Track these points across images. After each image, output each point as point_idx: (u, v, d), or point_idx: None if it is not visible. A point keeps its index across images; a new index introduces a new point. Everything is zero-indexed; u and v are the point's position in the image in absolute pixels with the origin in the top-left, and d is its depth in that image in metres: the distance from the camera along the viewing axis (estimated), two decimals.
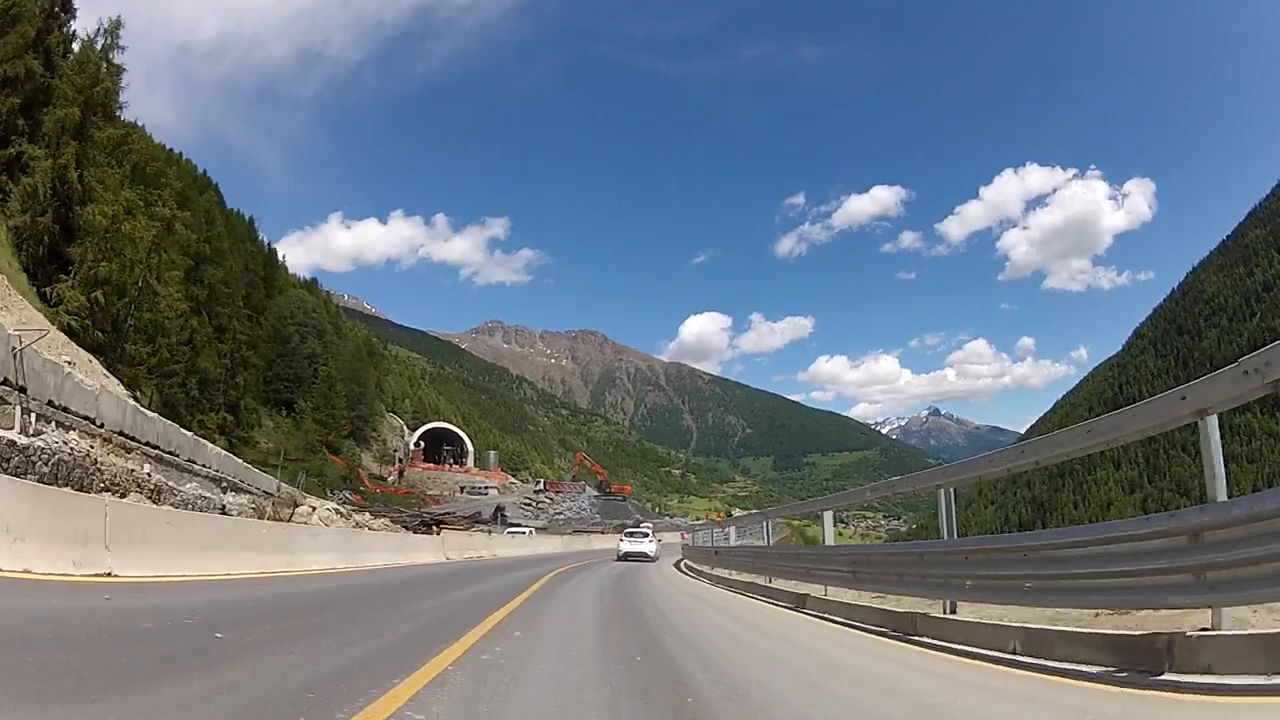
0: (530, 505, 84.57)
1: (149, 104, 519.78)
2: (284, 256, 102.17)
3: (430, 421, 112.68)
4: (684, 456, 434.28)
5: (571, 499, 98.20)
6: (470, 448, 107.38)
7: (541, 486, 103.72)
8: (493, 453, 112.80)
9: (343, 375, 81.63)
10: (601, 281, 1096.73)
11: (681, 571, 22.84)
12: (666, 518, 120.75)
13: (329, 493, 60.47)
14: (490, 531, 32.07)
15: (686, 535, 47.09)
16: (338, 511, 24.84)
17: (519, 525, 49.30)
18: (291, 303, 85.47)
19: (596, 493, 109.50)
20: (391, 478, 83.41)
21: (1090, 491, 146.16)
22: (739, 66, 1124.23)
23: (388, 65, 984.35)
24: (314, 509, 24.66)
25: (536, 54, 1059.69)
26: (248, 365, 65.42)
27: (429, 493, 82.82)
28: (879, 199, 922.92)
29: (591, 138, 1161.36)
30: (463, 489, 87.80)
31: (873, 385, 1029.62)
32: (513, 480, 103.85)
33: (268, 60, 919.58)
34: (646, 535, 36.92)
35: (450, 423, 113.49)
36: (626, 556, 32.01)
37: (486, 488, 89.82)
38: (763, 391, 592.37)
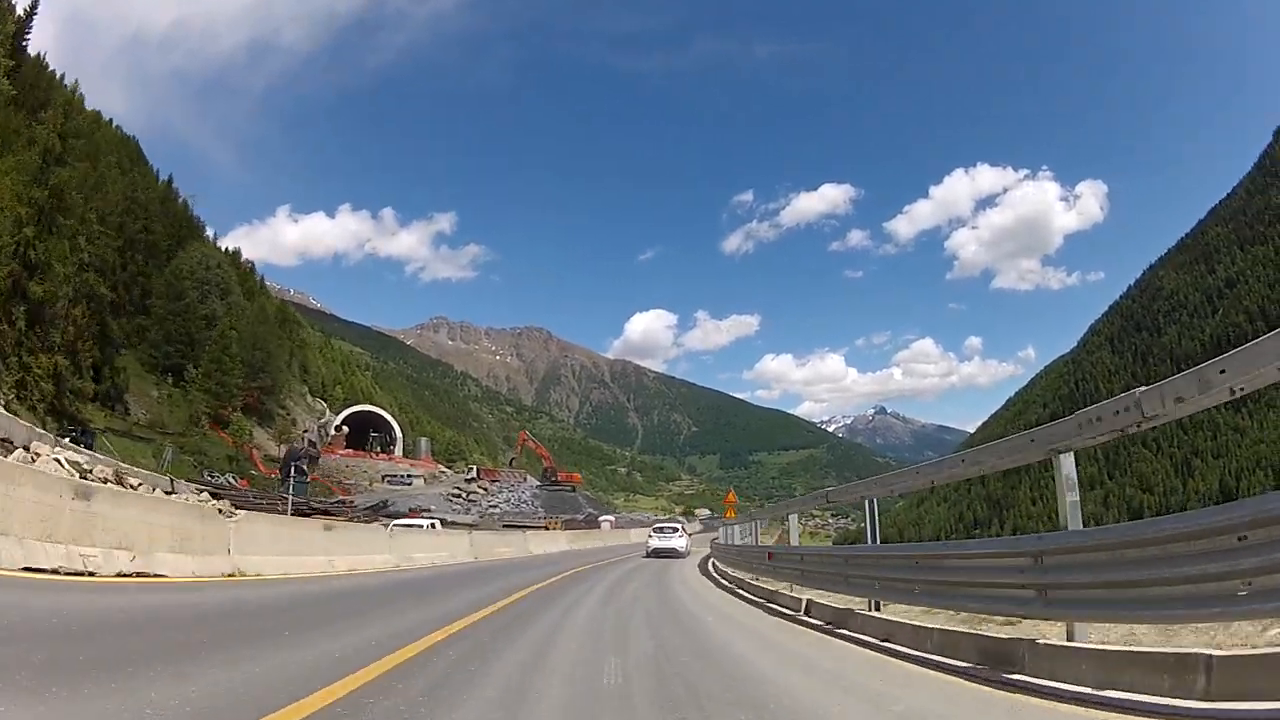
0: (459, 497, 71.75)
1: (104, 94, 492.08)
2: (214, 234, 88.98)
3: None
4: (630, 454, 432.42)
5: (510, 489, 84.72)
6: (399, 434, 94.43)
7: (474, 475, 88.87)
8: (424, 440, 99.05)
9: (243, 339, 69.07)
10: (548, 278, 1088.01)
11: (744, 598, 13.02)
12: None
13: (207, 475, 48.82)
14: (225, 514, 13.84)
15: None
16: (79, 468, 13.80)
17: (434, 517, 36.53)
18: (193, 258, 72.94)
19: (540, 482, 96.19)
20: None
21: (1048, 488, 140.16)
22: (695, 62, 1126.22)
23: (339, 57, 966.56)
24: (36, 456, 13.77)
25: (489, 48, 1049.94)
26: (111, 309, 52.71)
27: (346, 482, 71.28)
28: (828, 197, 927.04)
29: (541, 133, 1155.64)
30: (384, 478, 75.79)
31: (819, 384, 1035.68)
32: (444, 469, 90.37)
33: (219, 51, 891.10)
34: (676, 530, 36.64)
35: (382, 409, 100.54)
36: (656, 553, 31.72)
37: (410, 477, 77.23)
38: (708, 390, 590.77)
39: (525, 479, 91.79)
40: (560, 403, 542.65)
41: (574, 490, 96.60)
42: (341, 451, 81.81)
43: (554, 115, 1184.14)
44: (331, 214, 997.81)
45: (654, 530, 37.76)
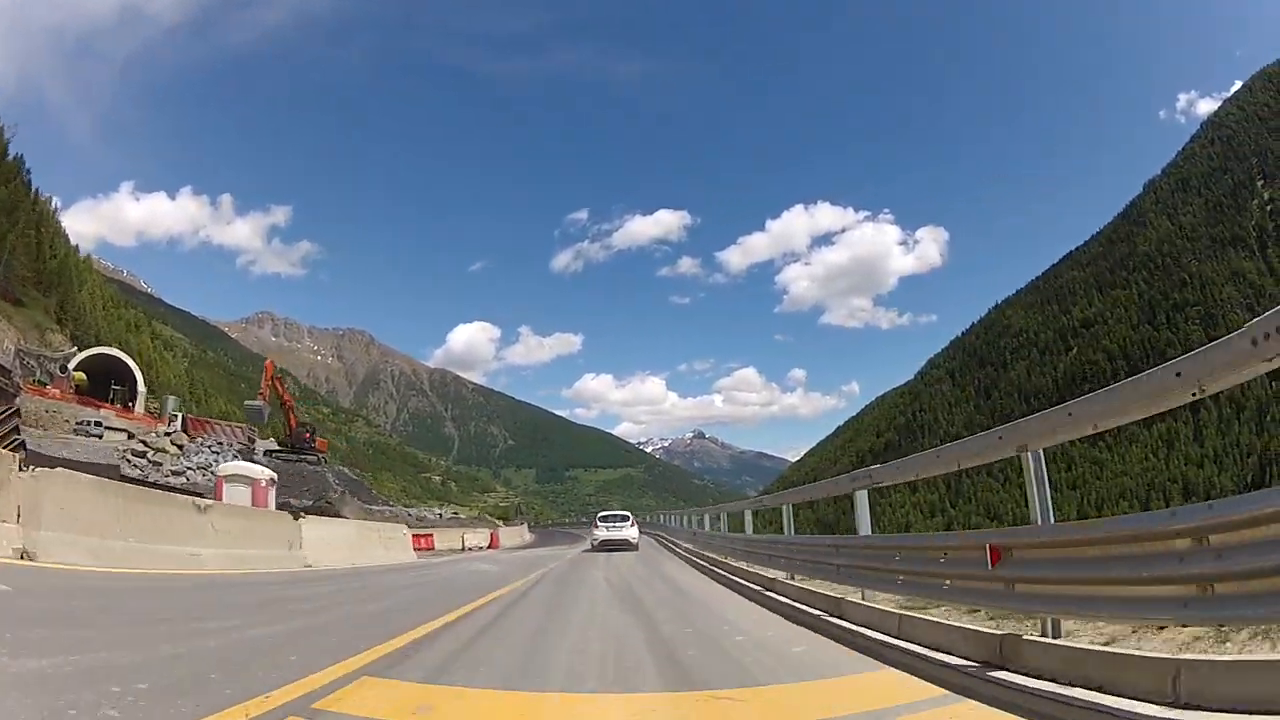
0: (142, 454, 38.99)
1: None
2: None
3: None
4: (445, 464, 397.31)
5: (215, 449, 48.17)
6: (142, 388, 60.42)
7: (178, 427, 52.52)
8: (172, 399, 64.50)
9: None
10: (375, 281, 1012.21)
11: None
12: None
13: None
14: None
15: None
16: None
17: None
18: None
19: (278, 447, 57.05)
20: None
21: (884, 514, 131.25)
22: (550, 72, 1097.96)
23: (202, 31, 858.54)
24: None
25: (347, 36, 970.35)
26: None
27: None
28: (663, 222, 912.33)
29: (385, 132, 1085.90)
30: (76, 425, 44.79)
31: (638, 405, 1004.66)
32: (163, 426, 54.73)
33: (94, 10, 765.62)
34: (627, 519, 30.42)
35: (129, 358, 66.72)
36: (606, 545, 27.33)
37: (103, 427, 45.22)
38: (527, 404, 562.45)
39: (252, 438, 53.12)
40: (378, 408, 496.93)
41: (320, 464, 58.40)
42: (57, 394, 50.20)
43: (401, 114, 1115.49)
44: (173, 195, 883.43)
45: (600, 520, 31.39)
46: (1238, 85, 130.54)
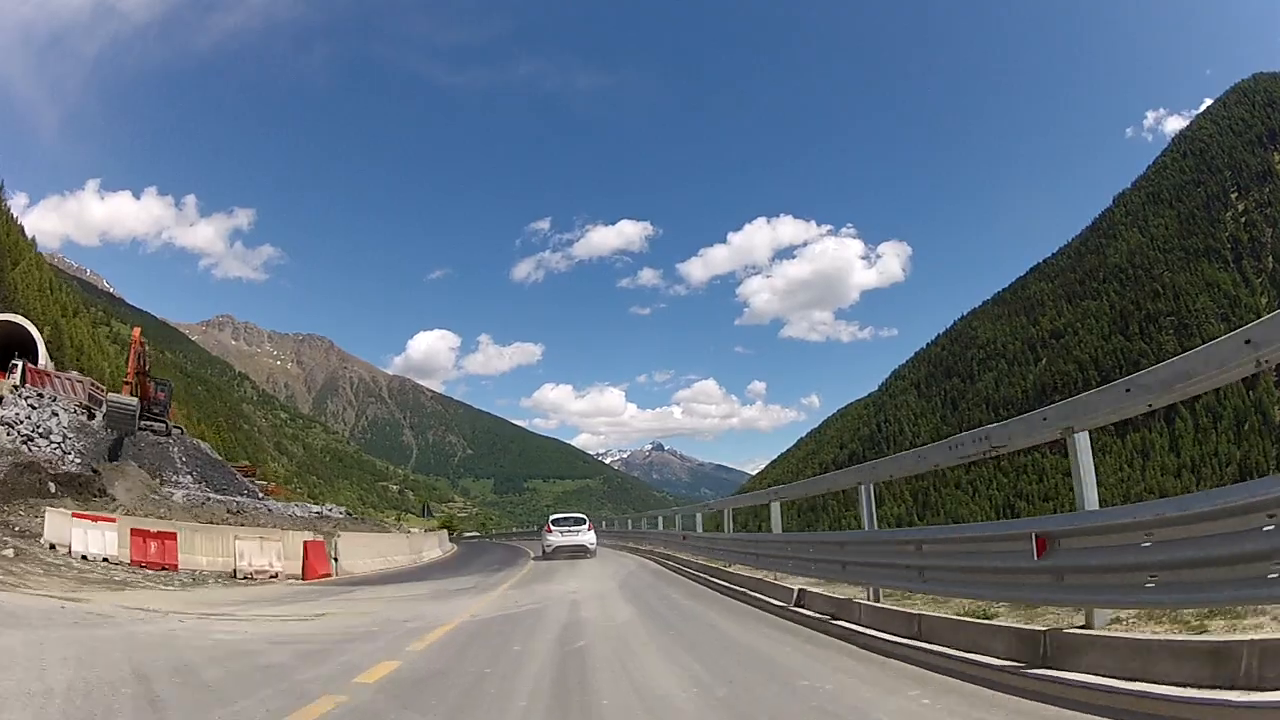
0: None
1: None
2: None
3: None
4: (403, 473, 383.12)
5: (38, 404, 32.93)
6: (44, 358, 49.21)
7: (16, 379, 34.99)
8: (75, 374, 55.48)
9: None
10: (336, 288, 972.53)
11: None
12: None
13: None
14: None
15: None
16: None
17: None
18: None
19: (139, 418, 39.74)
20: None
21: (848, 524, 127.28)
22: (511, 83, 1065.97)
23: (171, 31, 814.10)
24: None
25: (312, 42, 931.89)
26: None
27: None
28: (625, 233, 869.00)
29: (349, 139, 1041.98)
30: None
31: (597, 416, 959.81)
32: (19, 386, 41.15)
33: (68, 4, 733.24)
34: (583, 523, 26.60)
35: (33, 327, 55.48)
36: (559, 552, 24.04)
37: None
38: (486, 413, 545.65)
39: (95, 397, 39.62)
40: (336, 414, 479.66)
41: (168, 432, 43.52)
42: None
43: (363, 121, 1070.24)
44: (138, 195, 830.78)
45: (552, 524, 26.90)
46: (1209, 102, 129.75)
